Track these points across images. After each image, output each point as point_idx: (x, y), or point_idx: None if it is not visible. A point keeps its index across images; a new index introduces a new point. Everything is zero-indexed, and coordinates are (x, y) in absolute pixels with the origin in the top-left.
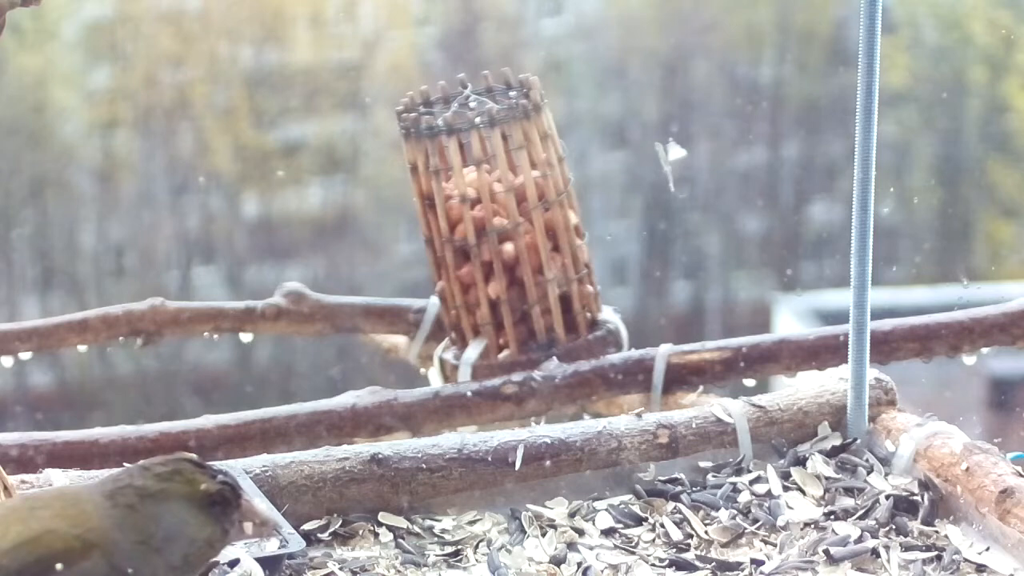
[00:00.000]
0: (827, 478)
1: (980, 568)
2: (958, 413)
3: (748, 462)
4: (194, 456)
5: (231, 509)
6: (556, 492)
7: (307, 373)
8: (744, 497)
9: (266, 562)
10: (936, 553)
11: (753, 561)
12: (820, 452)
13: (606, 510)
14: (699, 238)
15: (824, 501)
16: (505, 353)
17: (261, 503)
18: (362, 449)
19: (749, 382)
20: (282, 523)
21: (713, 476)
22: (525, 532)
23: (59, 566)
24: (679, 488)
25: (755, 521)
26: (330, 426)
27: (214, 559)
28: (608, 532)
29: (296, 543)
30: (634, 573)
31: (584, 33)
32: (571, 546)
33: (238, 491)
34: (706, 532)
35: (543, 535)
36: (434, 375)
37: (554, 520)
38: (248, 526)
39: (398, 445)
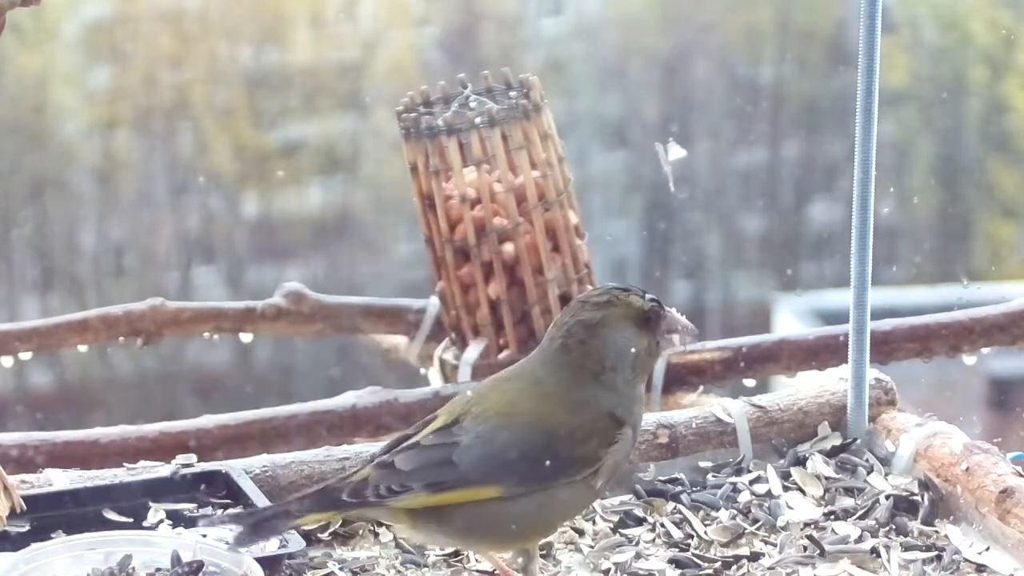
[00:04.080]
0: (827, 478)
1: (980, 568)
2: (958, 413)
3: (748, 462)
4: (616, 284)
5: (659, 321)
6: None
7: (307, 373)
8: (744, 497)
9: (266, 562)
10: (936, 553)
11: (753, 559)
12: (820, 452)
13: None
14: (699, 238)
15: (824, 501)
16: (505, 353)
17: (678, 314)
18: (362, 449)
19: (749, 382)
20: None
21: (713, 476)
22: None
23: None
24: (679, 488)
25: (755, 521)
26: (330, 426)
27: (652, 367)
28: (608, 532)
29: (296, 543)
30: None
31: (584, 33)
32: (571, 546)
33: (662, 305)
34: (706, 532)
35: None
36: (434, 375)
37: None
38: (675, 337)
39: None
